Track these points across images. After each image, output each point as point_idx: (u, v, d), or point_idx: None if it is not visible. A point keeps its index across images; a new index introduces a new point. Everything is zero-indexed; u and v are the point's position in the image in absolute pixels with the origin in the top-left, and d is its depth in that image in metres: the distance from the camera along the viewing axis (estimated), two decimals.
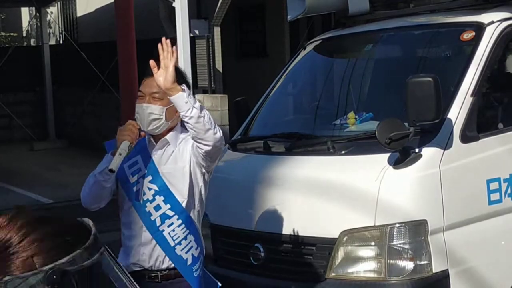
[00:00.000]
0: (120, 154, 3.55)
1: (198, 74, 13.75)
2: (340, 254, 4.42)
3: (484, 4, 5.23)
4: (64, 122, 18.29)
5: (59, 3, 20.67)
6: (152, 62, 3.56)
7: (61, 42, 21.44)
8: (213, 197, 5.15)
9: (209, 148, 3.65)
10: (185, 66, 13.28)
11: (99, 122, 16.05)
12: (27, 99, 18.65)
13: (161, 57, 3.55)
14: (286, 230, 4.64)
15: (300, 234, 4.57)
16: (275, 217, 4.70)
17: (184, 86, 3.58)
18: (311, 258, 4.51)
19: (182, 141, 3.84)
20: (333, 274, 4.43)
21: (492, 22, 4.89)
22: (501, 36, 4.85)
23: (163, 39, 3.55)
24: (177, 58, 3.55)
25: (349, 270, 4.41)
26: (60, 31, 21.31)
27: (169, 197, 3.80)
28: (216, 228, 5.05)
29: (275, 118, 5.89)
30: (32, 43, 22.64)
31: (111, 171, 3.54)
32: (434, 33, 5.37)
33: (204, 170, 3.84)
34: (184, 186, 3.81)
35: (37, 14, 19.25)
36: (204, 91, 13.72)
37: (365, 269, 4.39)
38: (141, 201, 3.79)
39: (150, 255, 3.80)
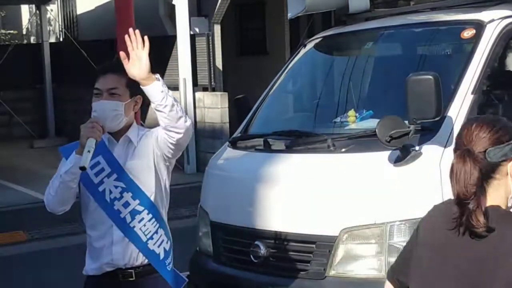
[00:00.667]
0: (89, 151, 3.51)
1: (198, 72, 13.76)
2: (340, 252, 4.42)
3: (485, 2, 5.23)
4: (64, 120, 18.30)
5: (59, 0, 20.69)
6: (122, 54, 3.53)
7: (61, 39, 21.43)
8: (213, 195, 5.16)
9: (180, 136, 3.64)
10: (185, 64, 13.30)
11: None
12: (27, 97, 18.66)
13: (129, 48, 3.50)
14: (286, 228, 4.63)
15: (300, 232, 4.57)
16: (275, 215, 4.70)
17: (157, 75, 3.56)
18: (311, 256, 4.51)
19: (142, 137, 3.83)
20: (333, 272, 4.43)
21: (493, 20, 4.89)
22: (501, 34, 4.84)
23: (130, 30, 3.51)
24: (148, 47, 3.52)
25: (349, 268, 4.41)
26: (60, 29, 21.31)
27: (137, 192, 3.77)
28: (216, 225, 5.04)
29: (275, 116, 5.89)
30: (32, 41, 22.63)
31: (83, 168, 3.50)
32: (435, 31, 5.37)
33: (167, 163, 3.83)
34: (150, 180, 3.79)
35: (37, 12, 19.25)
36: (204, 89, 13.72)
37: (365, 267, 4.39)
38: (108, 200, 3.76)
39: (124, 253, 3.77)
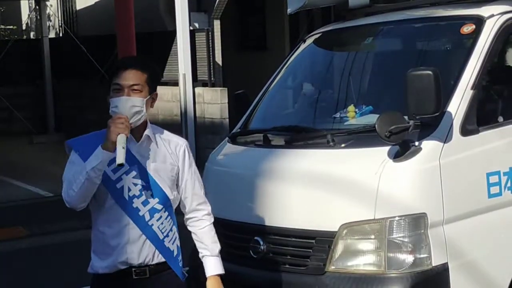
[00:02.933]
0: (123, 148, 3.54)
1: (198, 67, 13.74)
2: (340, 247, 4.42)
3: None
4: (64, 115, 18.30)
5: None
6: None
7: (60, 35, 21.42)
8: (212, 190, 5.15)
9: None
10: (185, 59, 13.29)
11: (98, 116, 16.03)
12: (27, 92, 18.66)
13: None
14: (286, 223, 4.64)
15: (299, 227, 4.57)
16: (275, 210, 4.70)
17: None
18: (311, 251, 4.51)
19: (163, 139, 3.88)
20: (332, 267, 4.43)
21: (492, 15, 4.88)
22: (501, 29, 4.84)
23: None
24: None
25: (349, 263, 4.41)
26: (60, 24, 21.29)
27: (157, 191, 3.79)
28: (215, 221, 5.02)
29: (275, 111, 5.88)
30: (31, 36, 22.64)
31: (121, 165, 3.54)
32: (434, 26, 5.37)
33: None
34: (172, 181, 3.87)
35: (37, 7, 19.26)
36: (204, 84, 13.71)
37: (364, 262, 4.39)
38: (127, 197, 3.75)
39: (139, 253, 3.77)
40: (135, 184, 3.76)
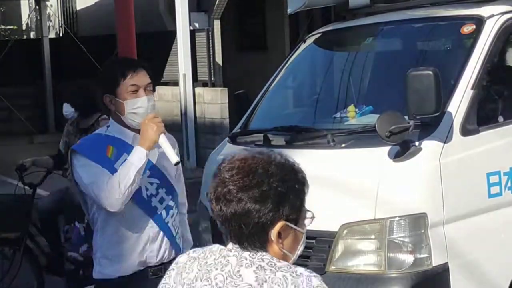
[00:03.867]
0: (171, 146, 3.68)
1: (198, 67, 13.75)
2: (340, 247, 4.42)
3: None
4: (64, 115, 18.28)
5: None
6: None
7: (60, 35, 21.42)
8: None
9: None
10: (185, 59, 13.29)
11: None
12: (27, 92, 18.65)
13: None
14: None
15: None
16: None
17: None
18: (311, 251, 4.51)
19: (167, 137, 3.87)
20: (333, 267, 4.43)
21: (492, 15, 4.88)
22: (501, 29, 4.84)
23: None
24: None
25: (349, 263, 4.41)
26: (60, 24, 21.30)
27: (169, 188, 3.86)
28: (215, 221, 5.03)
29: (275, 111, 5.88)
30: (31, 36, 22.64)
31: (178, 163, 3.69)
32: (434, 26, 5.37)
33: None
34: (179, 179, 3.98)
35: (37, 7, 19.25)
36: (204, 84, 13.71)
37: (365, 263, 4.39)
38: (146, 197, 3.77)
39: (158, 251, 3.80)
40: (151, 183, 3.80)
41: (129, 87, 3.72)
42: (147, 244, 3.77)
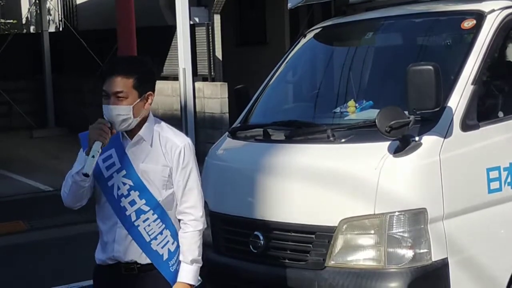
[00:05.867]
0: (93, 157, 3.52)
1: (198, 62, 13.73)
2: (340, 242, 4.42)
3: None
4: (64, 110, 18.29)
5: None
6: None
7: (60, 29, 21.41)
8: (212, 185, 5.16)
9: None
10: (185, 54, 13.28)
11: (98, 110, 15.97)
12: (27, 87, 18.65)
13: None
14: (286, 218, 4.64)
15: (299, 222, 4.57)
16: (275, 205, 4.70)
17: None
18: (311, 246, 4.52)
19: (160, 138, 3.79)
20: (332, 262, 4.44)
21: (493, 11, 4.88)
22: (501, 25, 4.84)
23: None
24: None
25: (349, 258, 4.42)
26: (60, 19, 21.28)
27: (144, 192, 3.75)
28: (215, 215, 5.05)
29: (275, 106, 5.88)
30: (31, 30, 22.64)
31: (86, 175, 3.54)
32: (435, 21, 5.36)
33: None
34: (161, 184, 3.78)
35: (37, 1, 19.24)
36: (204, 79, 13.70)
37: (364, 257, 4.39)
38: (116, 196, 3.75)
39: (125, 252, 3.77)
40: (124, 184, 3.75)
41: (102, 92, 3.70)
42: (114, 242, 3.78)
